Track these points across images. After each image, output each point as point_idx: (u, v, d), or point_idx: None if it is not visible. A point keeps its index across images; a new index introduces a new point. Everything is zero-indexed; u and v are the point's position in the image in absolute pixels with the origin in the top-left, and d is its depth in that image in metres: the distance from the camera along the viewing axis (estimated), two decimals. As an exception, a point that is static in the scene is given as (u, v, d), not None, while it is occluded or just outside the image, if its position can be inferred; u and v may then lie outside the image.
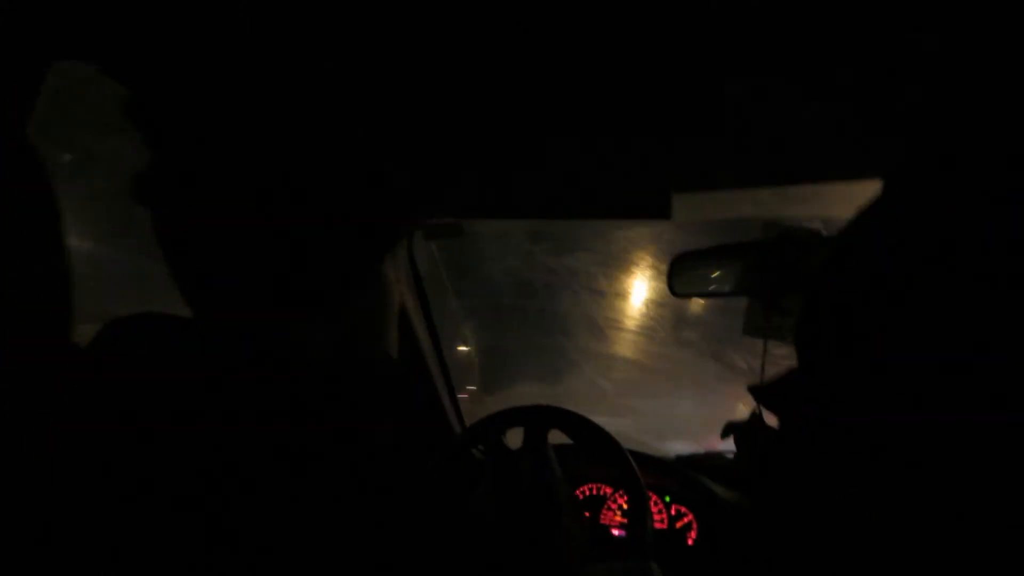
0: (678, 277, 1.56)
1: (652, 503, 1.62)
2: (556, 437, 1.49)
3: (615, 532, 1.65)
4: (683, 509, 1.62)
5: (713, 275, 1.54)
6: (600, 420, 1.44)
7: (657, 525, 1.61)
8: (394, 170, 1.42)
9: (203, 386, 0.70)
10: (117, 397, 0.68)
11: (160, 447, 0.66)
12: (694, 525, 1.60)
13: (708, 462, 1.76)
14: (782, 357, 1.58)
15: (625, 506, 1.65)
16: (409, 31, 1.00)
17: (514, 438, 1.52)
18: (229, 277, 0.74)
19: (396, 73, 1.09)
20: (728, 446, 1.74)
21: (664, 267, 1.62)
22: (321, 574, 0.69)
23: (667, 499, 1.62)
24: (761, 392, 0.58)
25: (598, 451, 1.42)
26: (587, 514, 1.68)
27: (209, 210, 0.73)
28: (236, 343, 0.75)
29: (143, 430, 0.66)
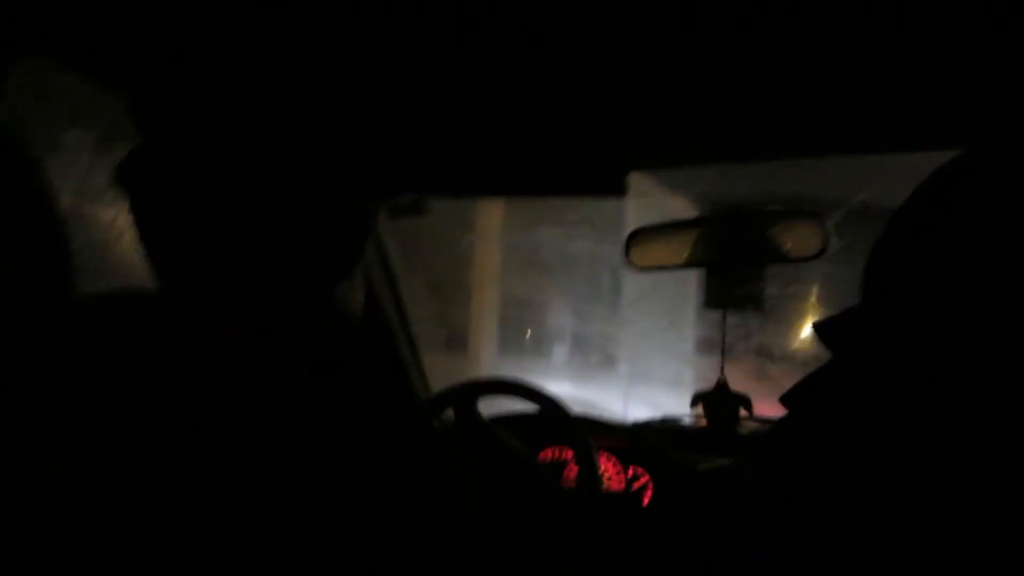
0: (635, 250, 1.63)
1: (611, 465, 1.68)
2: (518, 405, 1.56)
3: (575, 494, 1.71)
4: (640, 471, 1.67)
5: (668, 249, 1.61)
6: (562, 388, 1.50)
7: (614, 486, 1.67)
8: (359, 152, 1.43)
9: (167, 365, 0.70)
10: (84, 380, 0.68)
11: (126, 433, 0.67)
12: (650, 486, 1.65)
13: (664, 426, 1.83)
14: (735, 325, 1.67)
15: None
16: (369, 15, 1.02)
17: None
18: (194, 261, 0.75)
19: (361, 55, 1.10)
20: (685, 411, 1.82)
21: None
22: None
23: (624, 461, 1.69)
24: (822, 328, 0.63)
25: (552, 418, 1.49)
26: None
27: (175, 198, 0.74)
28: (204, 323, 0.75)
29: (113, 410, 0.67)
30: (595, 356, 4.34)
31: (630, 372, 4.31)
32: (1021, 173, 0.52)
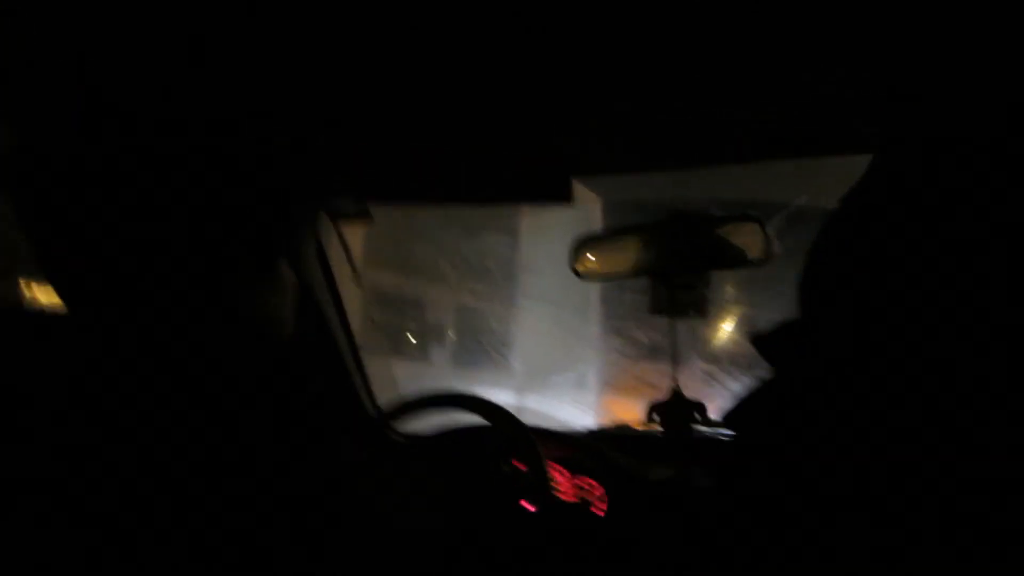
0: (580, 260, 1.62)
1: (562, 475, 1.66)
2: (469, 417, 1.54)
3: (525, 505, 1.70)
4: (591, 481, 1.66)
5: (614, 257, 1.60)
6: (509, 397, 1.49)
7: (565, 497, 1.65)
8: (302, 156, 1.40)
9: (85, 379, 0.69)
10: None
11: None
12: (601, 496, 1.63)
13: (618, 434, 1.83)
14: (682, 331, 1.68)
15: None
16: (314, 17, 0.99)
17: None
18: (130, 263, 0.72)
19: (307, 57, 1.08)
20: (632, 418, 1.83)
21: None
22: None
23: (573, 472, 1.67)
24: (764, 342, 0.63)
25: (503, 430, 1.47)
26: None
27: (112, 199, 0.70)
28: (132, 331, 0.73)
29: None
30: (486, 356, 4.37)
31: (525, 372, 4.33)
32: (939, 181, 0.53)
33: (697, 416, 1.64)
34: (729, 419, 0.66)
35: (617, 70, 1.08)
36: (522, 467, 1.69)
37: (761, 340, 0.64)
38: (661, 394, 1.67)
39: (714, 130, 1.26)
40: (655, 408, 1.67)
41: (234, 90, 0.98)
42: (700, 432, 1.68)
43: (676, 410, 1.64)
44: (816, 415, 0.57)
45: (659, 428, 1.72)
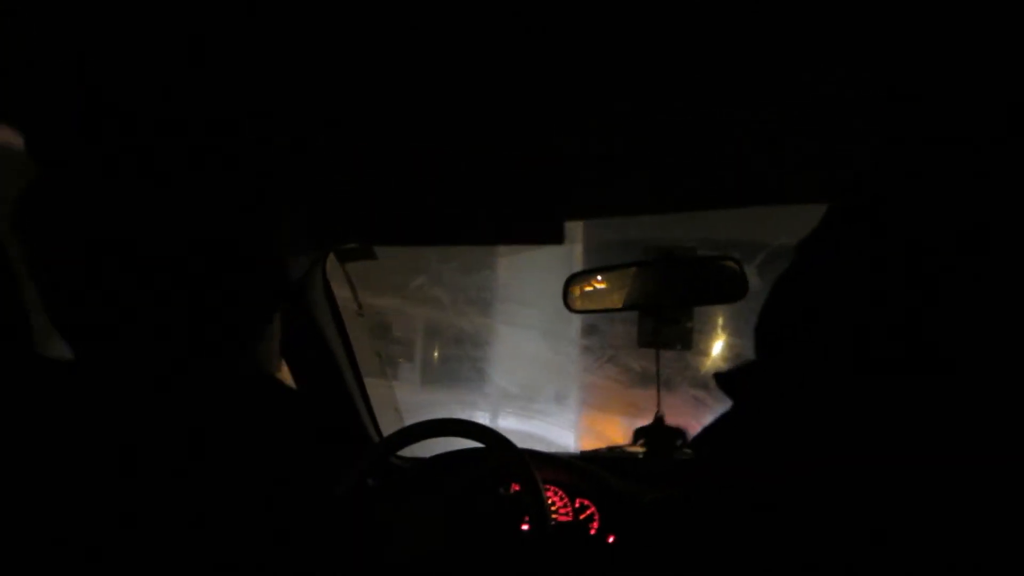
0: (573, 295, 1.72)
1: (559, 497, 1.73)
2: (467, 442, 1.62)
3: (523, 527, 1.77)
4: (586, 502, 1.72)
5: (604, 292, 1.70)
6: (508, 422, 1.55)
7: (562, 518, 1.72)
8: (308, 200, 1.45)
9: (95, 426, 0.69)
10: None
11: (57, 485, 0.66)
12: (596, 516, 1.70)
13: (610, 455, 1.88)
14: (673, 359, 1.78)
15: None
16: (315, 61, 1.03)
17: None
18: (134, 309, 0.72)
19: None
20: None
21: (561, 281, 1.77)
22: None
23: (570, 493, 1.75)
24: (724, 379, 0.65)
25: (499, 454, 1.55)
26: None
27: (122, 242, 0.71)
28: (138, 378, 0.73)
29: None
30: (481, 380, 4.43)
31: (519, 396, 4.37)
32: (883, 234, 0.54)
33: (679, 442, 1.73)
34: (694, 443, 0.71)
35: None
36: (517, 487, 1.76)
37: (720, 376, 0.67)
38: (649, 416, 1.77)
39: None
40: (640, 432, 1.77)
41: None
42: (682, 455, 1.78)
43: (659, 435, 1.74)
44: (768, 441, 0.60)
45: (643, 450, 1.81)
